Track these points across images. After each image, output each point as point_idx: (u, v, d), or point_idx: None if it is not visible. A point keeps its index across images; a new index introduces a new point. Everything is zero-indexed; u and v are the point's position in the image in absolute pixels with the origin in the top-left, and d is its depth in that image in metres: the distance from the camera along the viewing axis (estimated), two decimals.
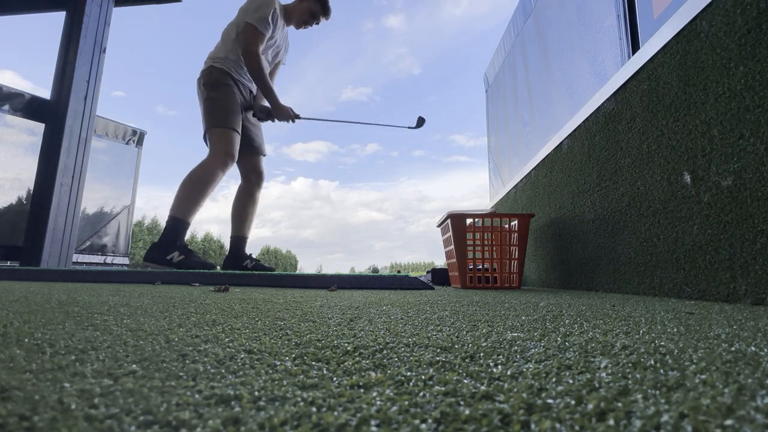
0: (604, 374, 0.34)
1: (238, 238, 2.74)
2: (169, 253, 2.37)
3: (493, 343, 0.49)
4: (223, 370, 0.35)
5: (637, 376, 0.33)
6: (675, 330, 0.59)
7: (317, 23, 2.74)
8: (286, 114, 2.67)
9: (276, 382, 0.32)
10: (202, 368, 0.35)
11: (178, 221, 2.39)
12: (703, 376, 0.33)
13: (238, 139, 2.55)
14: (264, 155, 2.84)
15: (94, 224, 6.69)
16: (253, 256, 2.77)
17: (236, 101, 2.57)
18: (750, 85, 1.09)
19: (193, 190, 2.40)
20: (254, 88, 2.76)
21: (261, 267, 2.70)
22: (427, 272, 3.46)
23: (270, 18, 2.47)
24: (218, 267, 2.58)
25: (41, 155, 3.55)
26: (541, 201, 2.62)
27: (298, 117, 2.70)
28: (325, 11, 2.73)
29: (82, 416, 0.24)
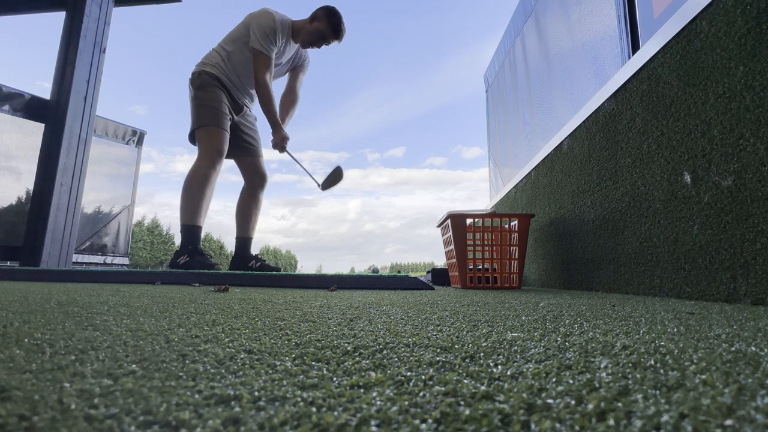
0: (604, 374, 0.34)
1: (244, 239, 2.77)
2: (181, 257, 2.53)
3: (493, 343, 0.49)
4: (223, 370, 0.35)
5: (638, 376, 0.33)
6: (675, 330, 0.59)
7: (327, 44, 2.65)
8: (280, 140, 2.67)
9: (276, 382, 0.32)
10: (202, 368, 0.35)
11: (187, 227, 2.51)
12: (704, 376, 0.33)
13: (226, 137, 2.57)
14: (261, 156, 2.85)
15: (94, 224, 6.69)
16: (259, 256, 2.79)
17: (223, 101, 2.59)
18: (750, 85, 1.09)
19: (191, 194, 2.47)
20: (247, 101, 2.79)
21: (267, 267, 2.72)
22: (427, 272, 3.46)
23: (275, 39, 2.51)
24: (221, 267, 2.61)
25: (41, 155, 3.55)
26: (541, 201, 2.62)
27: (284, 150, 2.71)
28: (337, 34, 2.61)
29: (82, 416, 0.24)
